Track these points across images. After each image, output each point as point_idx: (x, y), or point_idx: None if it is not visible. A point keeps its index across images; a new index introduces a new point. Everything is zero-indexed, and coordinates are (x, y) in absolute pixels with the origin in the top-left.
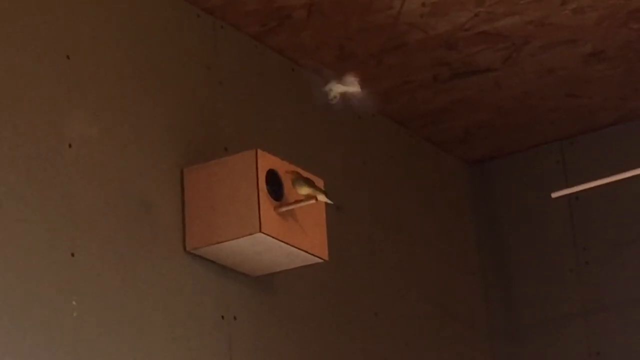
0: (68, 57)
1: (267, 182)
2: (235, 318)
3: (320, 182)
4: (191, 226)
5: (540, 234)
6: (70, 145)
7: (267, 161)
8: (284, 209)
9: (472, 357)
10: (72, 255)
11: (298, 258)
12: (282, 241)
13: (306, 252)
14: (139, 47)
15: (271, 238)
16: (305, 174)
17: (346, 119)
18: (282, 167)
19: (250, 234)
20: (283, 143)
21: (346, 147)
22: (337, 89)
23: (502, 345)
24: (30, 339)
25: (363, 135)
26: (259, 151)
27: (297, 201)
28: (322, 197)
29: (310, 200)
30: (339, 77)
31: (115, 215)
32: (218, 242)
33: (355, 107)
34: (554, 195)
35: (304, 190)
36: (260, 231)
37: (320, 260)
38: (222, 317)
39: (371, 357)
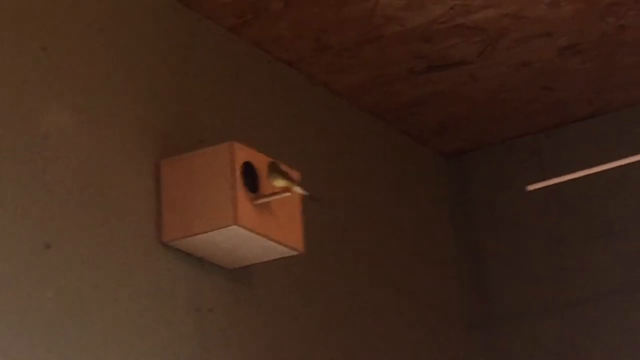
0: (44, 49)
1: (243, 174)
2: (210, 310)
3: (296, 175)
4: (167, 218)
5: (515, 226)
6: (45, 137)
7: (243, 153)
8: (259, 201)
9: (448, 349)
10: (47, 247)
11: (274, 250)
12: (258, 233)
13: (282, 244)
14: (115, 38)
15: (247, 231)
16: (281, 166)
17: (322, 111)
18: (258, 160)
19: (226, 226)
20: (259, 135)
21: (322, 140)
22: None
23: (477, 336)
24: (4, 331)
25: (339, 128)
26: (235, 143)
27: (272, 193)
28: (297, 189)
29: (286, 193)
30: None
31: (91, 207)
32: (194, 235)
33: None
34: (530, 188)
35: (280, 183)
36: (236, 223)
37: (296, 253)
38: (198, 309)
39: (347, 348)
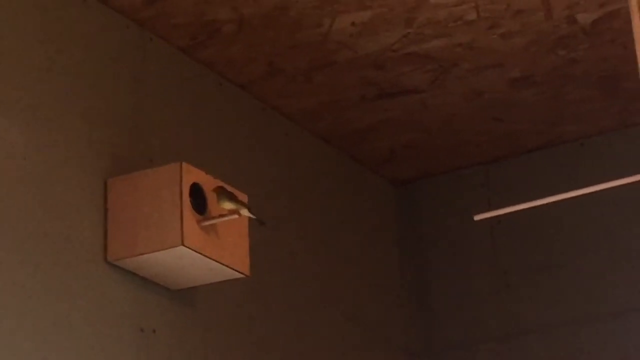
0: None
1: (191, 195)
2: (154, 331)
3: (244, 197)
4: (113, 237)
5: (462, 255)
6: None
7: (192, 174)
8: (207, 222)
9: None
10: None
11: (220, 272)
12: (204, 255)
13: (228, 266)
14: (67, 55)
15: (193, 252)
16: (230, 189)
17: (273, 135)
18: (207, 181)
19: (173, 247)
20: (208, 157)
21: (272, 163)
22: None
23: None
24: None
25: (289, 152)
26: (184, 164)
27: (220, 215)
28: (244, 212)
29: (233, 215)
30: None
31: (37, 224)
32: (140, 254)
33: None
34: (477, 217)
35: (228, 205)
36: (182, 244)
37: (241, 276)
38: (142, 329)
39: None
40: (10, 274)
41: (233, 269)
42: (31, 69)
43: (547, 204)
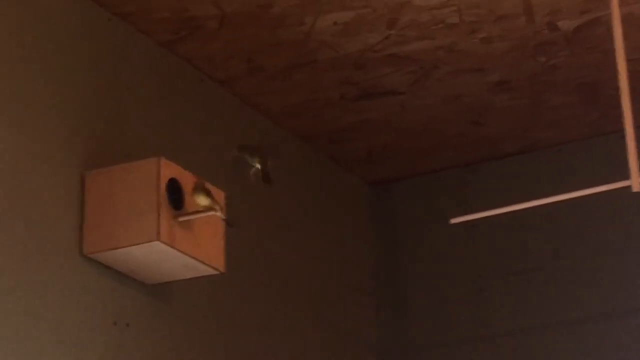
0: None
1: (168, 190)
2: (127, 325)
3: (220, 195)
4: (89, 231)
5: (436, 258)
6: None
7: (170, 170)
8: (183, 218)
9: None
10: None
11: (194, 268)
12: (180, 251)
13: (203, 262)
14: (46, 47)
15: (168, 247)
16: (207, 185)
17: (251, 133)
18: (184, 177)
19: (148, 242)
20: (187, 153)
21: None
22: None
23: None
24: None
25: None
26: (162, 159)
27: (196, 211)
28: (217, 213)
29: (209, 212)
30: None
31: (12, 216)
32: (115, 248)
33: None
34: (453, 221)
35: (203, 201)
36: (158, 239)
37: (216, 272)
38: (115, 323)
39: None
40: None
41: (208, 265)
42: (7, 60)
43: (523, 209)
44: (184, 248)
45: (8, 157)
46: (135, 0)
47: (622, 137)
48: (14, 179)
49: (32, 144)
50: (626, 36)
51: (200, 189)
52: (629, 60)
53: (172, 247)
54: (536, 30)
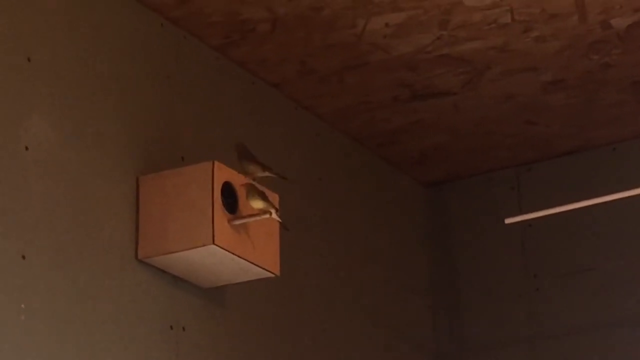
0: (29, 59)
1: (223, 194)
2: (184, 329)
3: (275, 198)
4: (144, 235)
5: (491, 258)
6: (26, 148)
7: (224, 173)
8: (237, 222)
9: None
10: (23, 257)
11: (250, 272)
12: (235, 254)
13: (258, 266)
14: (101, 52)
15: (224, 250)
16: (260, 188)
17: (305, 135)
18: (238, 180)
19: (203, 246)
20: None
21: (303, 163)
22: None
23: None
24: None
25: (320, 152)
26: (216, 163)
27: (251, 215)
28: (273, 214)
29: (264, 215)
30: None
31: (69, 220)
32: (170, 252)
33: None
34: (508, 221)
35: (258, 204)
36: (213, 243)
37: (271, 275)
38: (171, 327)
39: None
40: (41, 272)
41: (263, 268)
42: (67, 65)
43: (577, 208)
44: (238, 251)
45: (64, 162)
46: (187, 4)
47: None
48: (71, 183)
49: (87, 149)
50: None
51: (254, 191)
52: None
53: (227, 250)
54: (589, 29)
